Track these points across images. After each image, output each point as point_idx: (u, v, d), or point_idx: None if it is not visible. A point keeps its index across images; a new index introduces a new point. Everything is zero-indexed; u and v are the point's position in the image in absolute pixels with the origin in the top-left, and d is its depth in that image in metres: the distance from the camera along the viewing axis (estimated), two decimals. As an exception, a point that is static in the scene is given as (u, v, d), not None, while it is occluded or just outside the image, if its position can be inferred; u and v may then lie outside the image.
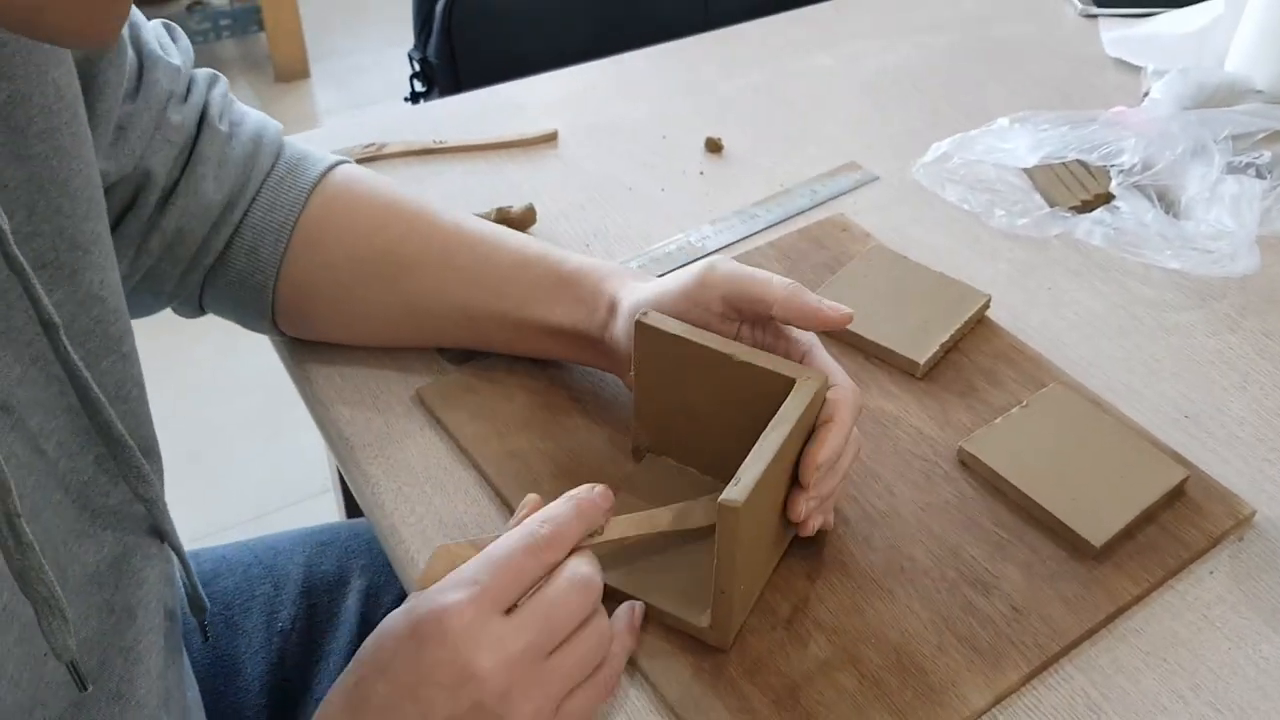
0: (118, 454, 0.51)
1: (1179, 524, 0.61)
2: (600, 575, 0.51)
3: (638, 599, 0.56)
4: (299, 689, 0.74)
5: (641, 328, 0.58)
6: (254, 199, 0.66)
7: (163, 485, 0.55)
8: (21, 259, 0.42)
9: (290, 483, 1.69)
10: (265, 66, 2.66)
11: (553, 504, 0.53)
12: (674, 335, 0.58)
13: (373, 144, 0.88)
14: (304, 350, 0.71)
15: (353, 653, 0.74)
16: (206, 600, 0.62)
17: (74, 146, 0.49)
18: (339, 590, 0.78)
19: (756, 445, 0.52)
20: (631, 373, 0.60)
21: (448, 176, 0.87)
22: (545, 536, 0.51)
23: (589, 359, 0.67)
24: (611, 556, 0.57)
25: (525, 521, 0.52)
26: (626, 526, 0.55)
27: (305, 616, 0.76)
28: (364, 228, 0.67)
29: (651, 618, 0.56)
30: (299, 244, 0.67)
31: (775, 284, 0.58)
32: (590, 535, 0.53)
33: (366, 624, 0.76)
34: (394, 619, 0.50)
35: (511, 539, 0.51)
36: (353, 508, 1.04)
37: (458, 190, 0.85)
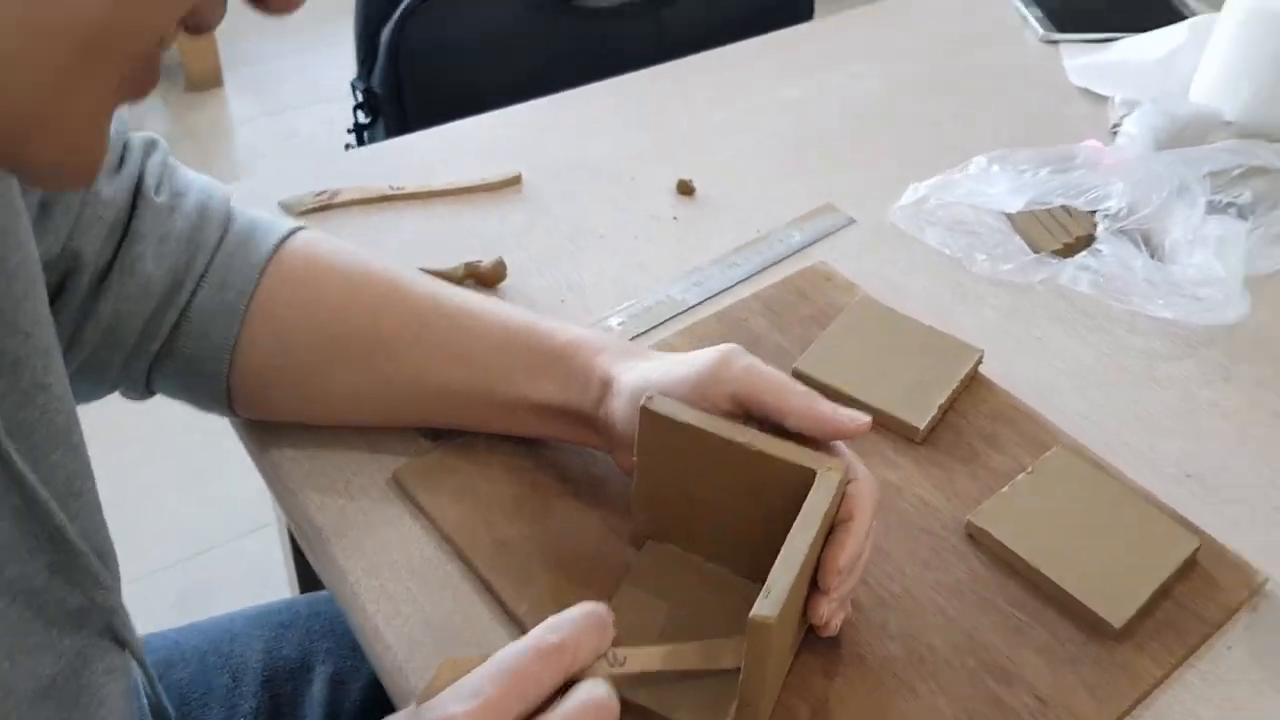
0: (71, 561, 0.46)
1: (1194, 598, 0.60)
2: (617, 702, 0.47)
3: (653, 712, 0.52)
4: (267, 788, 0.69)
5: (647, 414, 0.54)
6: (202, 277, 0.61)
7: (119, 588, 0.50)
8: None
9: (225, 519, 1.61)
10: (176, 75, 2.55)
11: (562, 613, 0.49)
12: (683, 423, 0.54)
13: (324, 191, 0.83)
14: (265, 432, 0.66)
15: (319, 746, 0.70)
16: (171, 710, 0.57)
17: (8, 220, 0.44)
18: (302, 677, 0.73)
19: (784, 550, 0.49)
20: (633, 457, 0.57)
21: (407, 226, 0.82)
22: (555, 645, 0.47)
23: (580, 437, 0.63)
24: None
25: (534, 630, 0.48)
26: (649, 660, 0.51)
27: (268, 709, 0.71)
28: (330, 304, 0.62)
29: None
30: (255, 325, 0.61)
31: (791, 393, 0.54)
32: (610, 665, 0.49)
33: (333, 713, 0.71)
34: None
35: (519, 647, 0.47)
36: (307, 580, 0.99)
37: (419, 241, 0.81)
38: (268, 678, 0.72)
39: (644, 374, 0.58)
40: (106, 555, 0.50)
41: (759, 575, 0.57)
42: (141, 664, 0.52)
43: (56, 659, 0.46)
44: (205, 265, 0.61)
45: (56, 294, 0.56)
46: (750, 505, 0.55)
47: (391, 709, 0.72)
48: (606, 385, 0.59)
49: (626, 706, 0.52)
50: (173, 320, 0.60)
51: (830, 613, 0.53)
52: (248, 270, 0.61)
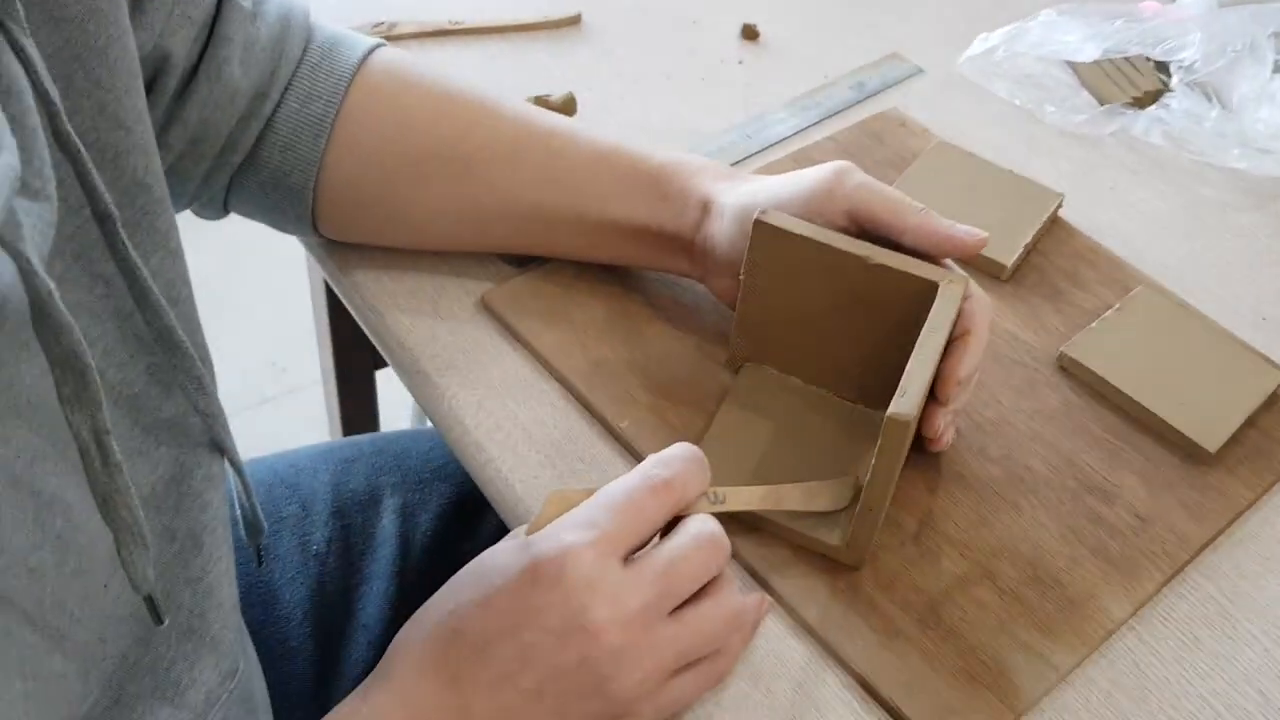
0: (176, 362, 0.45)
1: (1277, 428, 0.61)
2: (727, 538, 0.47)
3: (765, 516, 0.53)
4: (342, 615, 0.69)
5: (761, 227, 0.54)
6: (287, 88, 0.59)
7: (218, 394, 0.49)
8: (76, 139, 0.36)
9: (230, 393, 1.60)
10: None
11: (667, 450, 0.48)
12: (799, 235, 0.53)
13: (381, 23, 0.80)
14: (346, 254, 0.65)
15: (395, 574, 0.70)
16: (264, 521, 0.56)
17: (110, 9, 0.42)
18: (372, 509, 0.73)
19: (917, 351, 0.49)
20: (740, 275, 0.56)
21: (468, 61, 0.80)
22: (665, 480, 0.46)
23: (673, 264, 0.62)
24: (723, 473, 0.53)
25: (641, 466, 0.48)
26: (749, 499, 0.51)
27: (340, 538, 0.71)
28: (419, 121, 0.61)
29: (775, 535, 0.53)
30: (341, 139, 0.60)
31: (908, 209, 0.54)
32: (711, 503, 0.48)
33: (406, 543, 0.71)
34: (504, 553, 0.46)
35: (629, 481, 0.46)
36: (351, 427, 0.98)
37: (482, 77, 0.78)
38: (337, 509, 0.72)
39: (749, 193, 0.57)
40: (206, 360, 0.48)
41: (862, 397, 0.58)
42: (239, 471, 0.52)
43: (154, 467, 0.45)
44: (290, 76, 0.59)
45: (145, 93, 0.54)
46: (860, 324, 0.55)
47: (465, 536, 0.72)
48: (706, 206, 0.58)
49: (736, 517, 0.52)
50: (257, 131, 0.58)
51: (945, 425, 0.53)
52: (333, 83, 0.59)
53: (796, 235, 0.53)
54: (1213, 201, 0.75)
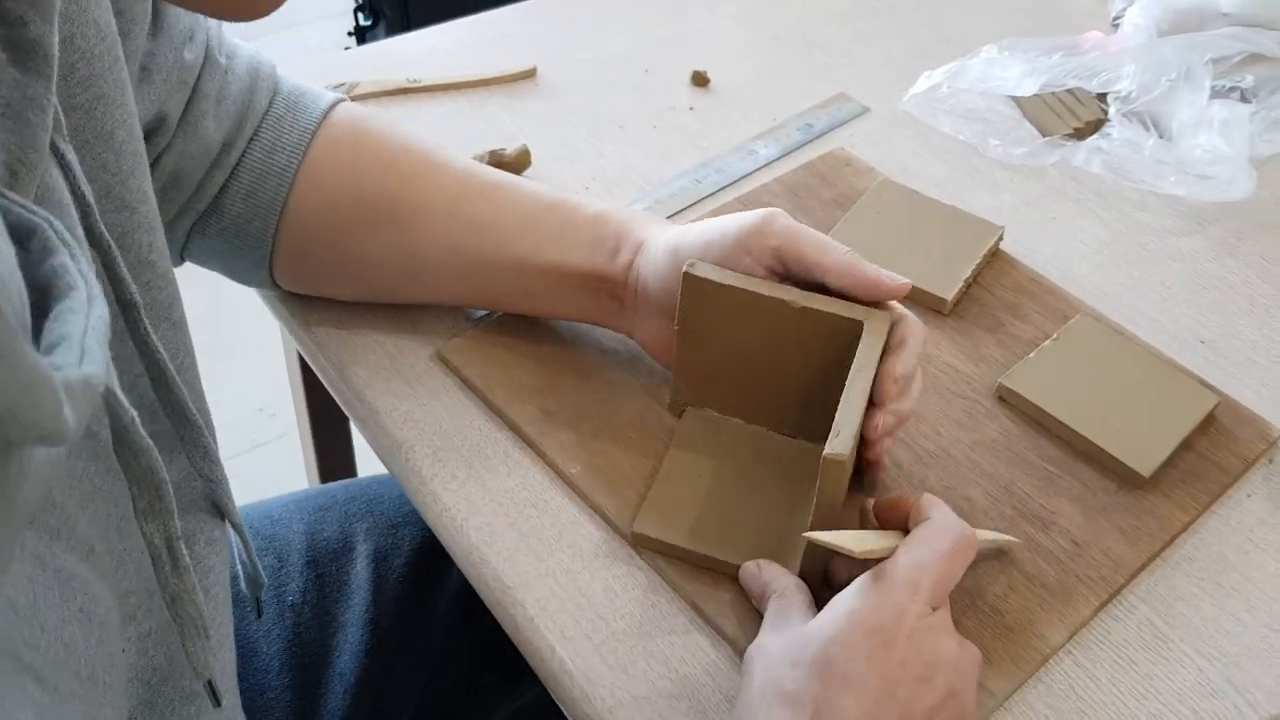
0: (184, 432, 0.47)
1: (1214, 450, 0.63)
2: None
3: (721, 560, 0.55)
4: (319, 664, 0.70)
5: (690, 279, 0.56)
6: (252, 139, 0.61)
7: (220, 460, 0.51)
8: (108, 236, 0.38)
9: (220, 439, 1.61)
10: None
11: (935, 518, 0.51)
12: (726, 285, 0.56)
13: (343, 84, 0.83)
14: (306, 310, 0.67)
15: (369, 620, 0.72)
16: (265, 577, 0.58)
17: (117, 94, 0.44)
18: (345, 557, 0.74)
19: (845, 394, 0.51)
20: (675, 324, 0.58)
21: (427, 118, 0.82)
22: (964, 537, 0.50)
23: (606, 314, 0.63)
24: (669, 515, 0.55)
25: (934, 528, 0.50)
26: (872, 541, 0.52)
27: (315, 588, 0.73)
28: (371, 171, 0.63)
29: (724, 574, 0.55)
30: (302, 188, 0.62)
31: (832, 251, 0.56)
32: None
33: (379, 589, 0.73)
34: (836, 628, 0.47)
35: (934, 542, 0.49)
36: (326, 472, 1.00)
37: (439, 132, 0.81)
38: (312, 558, 0.73)
39: (679, 234, 0.59)
40: (211, 426, 0.50)
41: (801, 433, 0.60)
42: (240, 533, 0.53)
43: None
44: (255, 127, 0.61)
45: None
46: (794, 363, 0.57)
47: (436, 580, 0.74)
48: (637, 248, 0.60)
49: (692, 558, 0.54)
50: (221, 180, 0.61)
51: (884, 429, 0.54)
52: (298, 135, 0.62)
53: (724, 285, 0.55)
54: (1153, 228, 0.77)
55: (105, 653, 0.40)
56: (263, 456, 1.56)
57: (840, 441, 0.49)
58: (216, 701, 0.43)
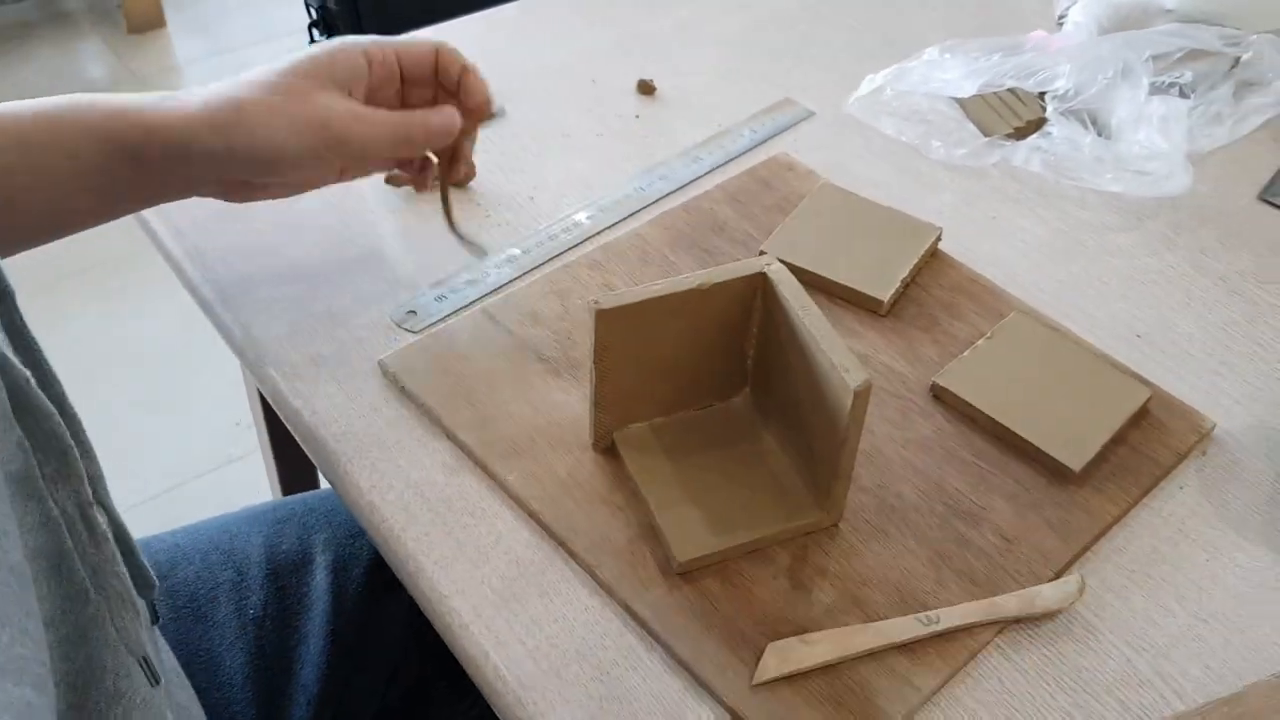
0: (50, 427, 0.47)
1: (1147, 443, 0.63)
2: None
3: (761, 538, 0.57)
4: (281, 676, 0.71)
5: (603, 315, 0.56)
6: None
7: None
8: None
9: (199, 453, 1.62)
10: (116, 17, 2.51)
11: None
12: (640, 301, 0.56)
13: (289, 101, 0.83)
14: (252, 321, 0.68)
15: (330, 632, 0.72)
16: (153, 575, 0.57)
17: None
18: (305, 569, 0.75)
19: (821, 334, 0.54)
20: (592, 365, 0.58)
21: (374, 132, 0.83)
22: None
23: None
24: (690, 532, 0.57)
25: None
26: (965, 614, 0.55)
27: (275, 600, 0.73)
28: None
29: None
30: None
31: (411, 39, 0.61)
32: (925, 625, 0.54)
33: (339, 600, 0.73)
34: None
35: None
36: (288, 484, 1.00)
37: (386, 146, 0.81)
38: (271, 571, 0.74)
39: (244, 83, 0.59)
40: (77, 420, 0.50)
41: (718, 395, 0.62)
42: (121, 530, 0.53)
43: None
44: None
45: None
46: (704, 338, 0.59)
47: (394, 587, 0.74)
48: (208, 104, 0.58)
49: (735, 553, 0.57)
50: None
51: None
52: None
53: (638, 303, 0.56)
54: (1092, 224, 0.78)
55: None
56: (239, 470, 1.57)
57: (857, 375, 0.51)
58: (155, 680, 0.43)
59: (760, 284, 0.58)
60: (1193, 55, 0.88)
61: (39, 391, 0.36)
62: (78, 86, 2.31)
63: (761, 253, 0.72)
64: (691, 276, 0.57)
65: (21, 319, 0.43)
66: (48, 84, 2.33)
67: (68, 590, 0.40)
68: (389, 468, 0.61)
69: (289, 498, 0.82)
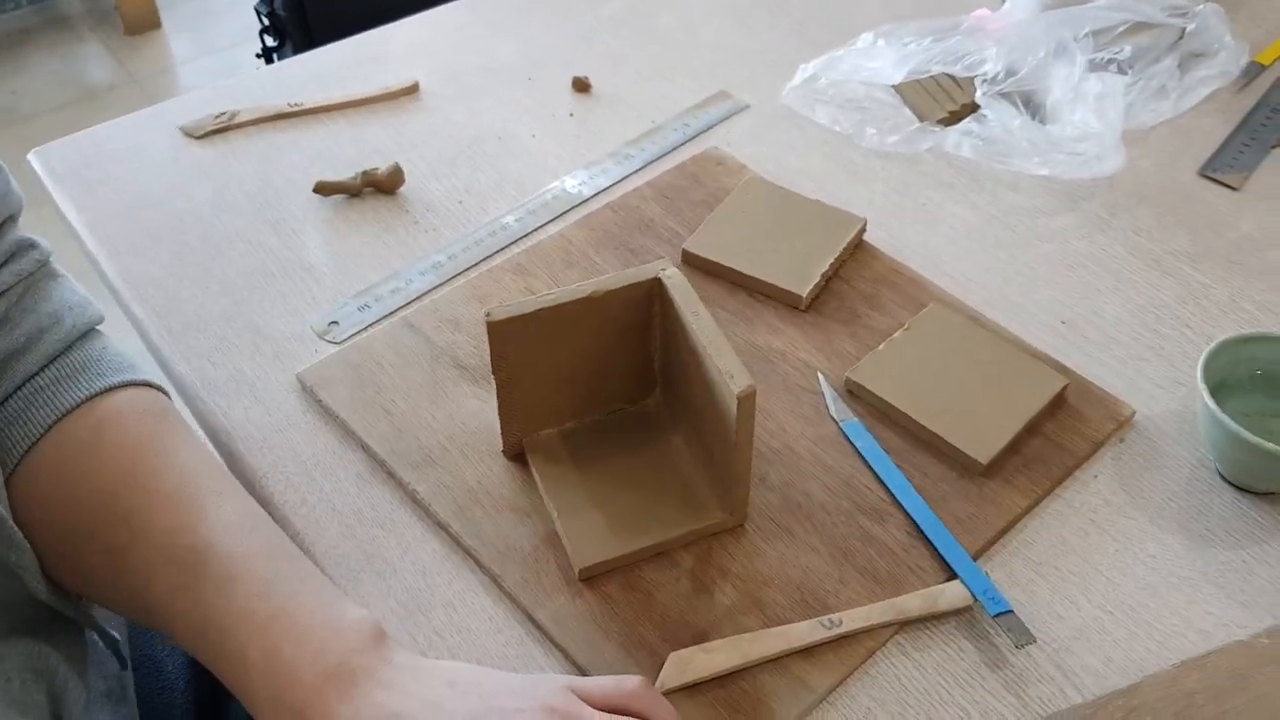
0: None
1: (1062, 432, 0.63)
2: None
3: (663, 542, 0.58)
4: (224, 692, 0.72)
5: (495, 325, 0.56)
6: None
7: None
8: None
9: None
10: (113, 19, 2.53)
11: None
12: (531, 312, 0.57)
13: (224, 114, 0.84)
14: (178, 340, 0.69)
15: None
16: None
17: None
18: None
19: (710, 340, 0.54)
20: (493, 374, 0.59)
21: (306, 142, 0.83)
22: None
23: None
24: (592, 539, 0.58)
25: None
26: (867, 616, 0.55)
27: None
28: (90, 490, 0.53)
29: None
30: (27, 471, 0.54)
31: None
32: (828, 629, 0.54)
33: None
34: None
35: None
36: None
37: (318, 156, 0.82)
38: None
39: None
40: None
41: (625, 399, 0.62)
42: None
43: None
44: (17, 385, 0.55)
45: None
46: (605, 344, 0.60)
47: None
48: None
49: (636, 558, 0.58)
50: None
51: None
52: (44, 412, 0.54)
53: (529, 313, 0.56)
54: (1024, 209, 0.77)
55: None
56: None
57: (742, 379, 0.52)
58: (88, 622, 0.42)
59: (657, 289, 0.58)
60: (1136, 29, 0.86)
61: None
62: (79, 90, 2.33)
63: (684, 250, 0.72)
64: (585, 285, 0.57)
65: None
66: (49, 87, 2.35)
67: None
68: (303, 481, 0.62)
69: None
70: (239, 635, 0.48)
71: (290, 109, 0.85)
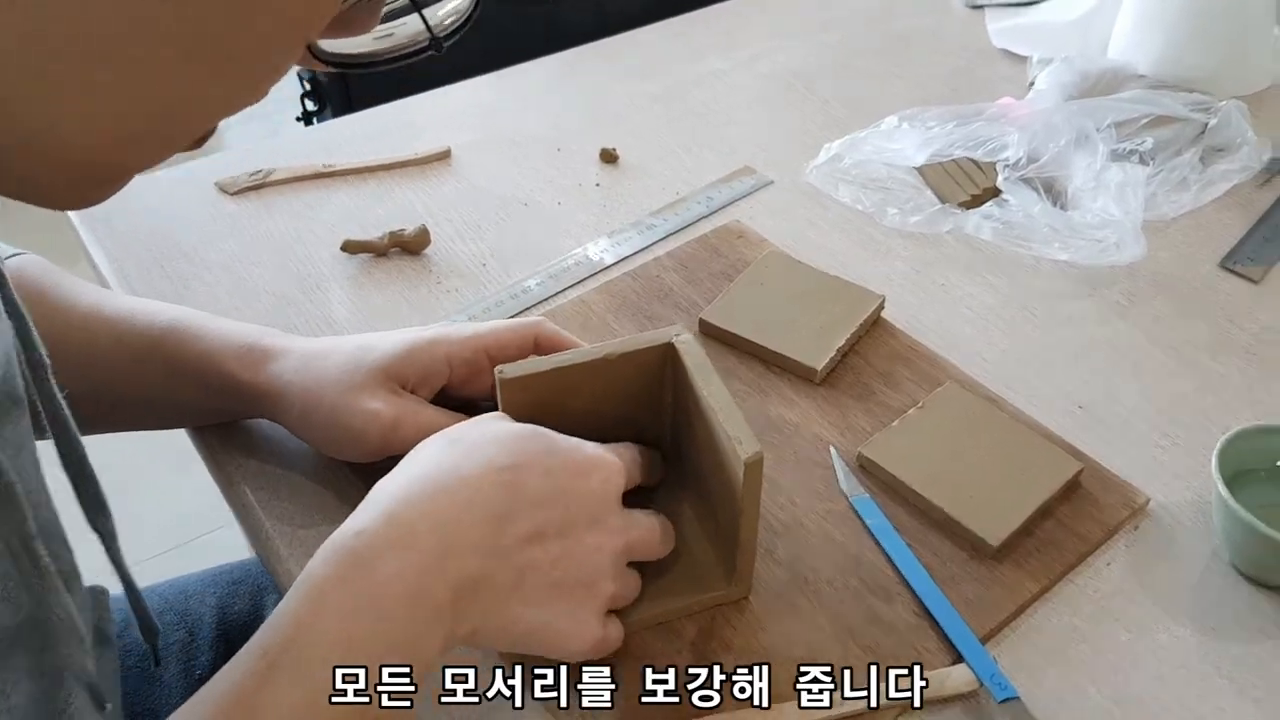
0: (82, 486, 0.53)
1: (1076, 518, 0.62)
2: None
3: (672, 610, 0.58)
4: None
5: (506, 384, 0.57)
6: None
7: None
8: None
9: (197, 516, 1.64)
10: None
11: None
12: (546, 370, 0.57)
13: (259, 171, 0.86)
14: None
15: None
16: (156, 621, 0.61)
17: None
18: (254, 629, 0.76)
19: (717, 403, 0.53)
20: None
21: (337, 201, 0.85)
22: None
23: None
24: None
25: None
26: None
27: (224, 660, 0.74)
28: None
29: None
30: None
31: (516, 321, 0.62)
32: None
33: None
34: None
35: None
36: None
37: (349, 215, 0.84)
38: (222, 632, 0.75)
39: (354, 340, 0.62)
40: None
41: None
42: (130, 585, 0.57)
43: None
44: None
45: None
46: (613, 405, 0.60)
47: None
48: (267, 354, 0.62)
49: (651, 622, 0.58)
50: None
51: None
52: None
53: (546, 371, 0.57)
54: (1044, 292, 0.78)
55: None
56: (225, 536, 1.60)
57: (750, 444, 0.52)
58: (100, 706, 0.44)
59: (670, 354, 0.58)
60: (1158, 122, 0.87)
61: None
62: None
63: (701, 320, 0.73)
64: (599, 346, 0.58)
65: (55, 386, 0.46)
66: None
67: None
68: (330, 530, 0.62)
69: (246, 559, 0.83)
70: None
71: (324, 169, 0.86)
